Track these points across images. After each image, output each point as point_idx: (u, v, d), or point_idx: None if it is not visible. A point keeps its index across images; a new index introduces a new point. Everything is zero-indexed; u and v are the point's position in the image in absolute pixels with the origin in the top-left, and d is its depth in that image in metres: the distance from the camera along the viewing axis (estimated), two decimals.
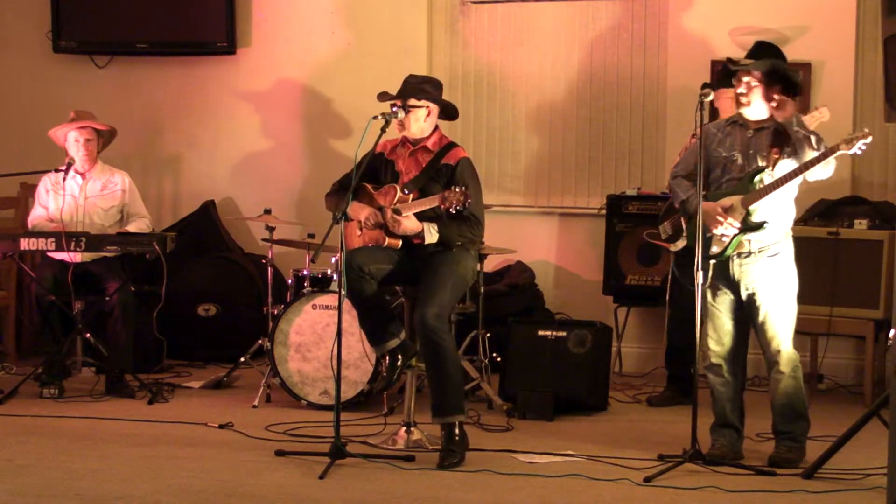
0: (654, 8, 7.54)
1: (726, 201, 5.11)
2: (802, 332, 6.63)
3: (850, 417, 5.16)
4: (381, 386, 5.65)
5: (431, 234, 5.30)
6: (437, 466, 5.06)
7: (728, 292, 5.21)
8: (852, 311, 6.45)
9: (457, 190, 5.17)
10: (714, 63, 7.25)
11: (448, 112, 5.61)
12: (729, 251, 5.12)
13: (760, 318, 5.15)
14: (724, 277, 5.19)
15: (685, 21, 7.43)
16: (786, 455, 5.11)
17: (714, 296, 5.22)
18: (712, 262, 5.15)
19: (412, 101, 5.44)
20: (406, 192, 5.39)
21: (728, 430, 5.27)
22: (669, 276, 6.56)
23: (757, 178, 5.09)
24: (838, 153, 4.90)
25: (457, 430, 5.18)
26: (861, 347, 6.78)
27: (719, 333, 5.25)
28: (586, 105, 7.71)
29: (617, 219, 7.26)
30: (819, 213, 6.78)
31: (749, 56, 5.24)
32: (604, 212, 7.35)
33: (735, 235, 5.08)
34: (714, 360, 5.26)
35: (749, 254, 5.13)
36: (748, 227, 5.07)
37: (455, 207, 5.16)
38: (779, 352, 5.14)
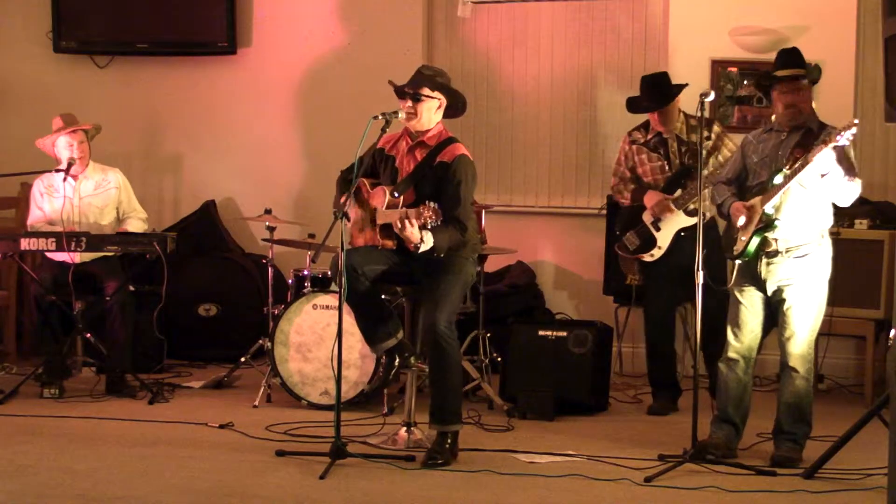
0: (655, 7, 7.55)
1: (752, 201, 5.16)
2: None
3: (850, 417, 5.15)
4: (375, 385, 5.63)
5: (426, 243, 5.13)
6: (421, 464, 5.07)
7: (754, 290, 5.23)
8: (853, 311, 6.45)
9: (430, 205, 4.99)
10: (714, 63, 7.25)
11: (455, 109, 5.50)
12: (749, 250, 5.13)
13: (782, 314, 5.17)
14: (750, 276, 5.21)
15: (685, 21, 7.42)
16: (788, 454, 5.13)
17: (741, 293, 5.25)
18: (737, 261, 5.19)
19: (426, 91, 5.34)
20: (396, 194, 5.31)
21: (727, 425, 5.29)
22: (638, 278, 6.48)
23: (776, 179, 5.11)
24: (830, 145, 4.91)
25: (449, 439, 5.19)
26: (861, 347, 6.78)
27: (741, 330, 5.26)
28: (586, 105, 7.71)
29: (617, 219, 7.25)
30: None
31: (782, 65, 5.27)
32: (604, 212, 7.35)
33: (752, 235, 5.10)
34: (732, 354, 5.28)
35: (776, 253, 5.14)
36: (765, 225, 5.11)
37: (428, 223, 5.01)
38: (795, 350, 5.16)
